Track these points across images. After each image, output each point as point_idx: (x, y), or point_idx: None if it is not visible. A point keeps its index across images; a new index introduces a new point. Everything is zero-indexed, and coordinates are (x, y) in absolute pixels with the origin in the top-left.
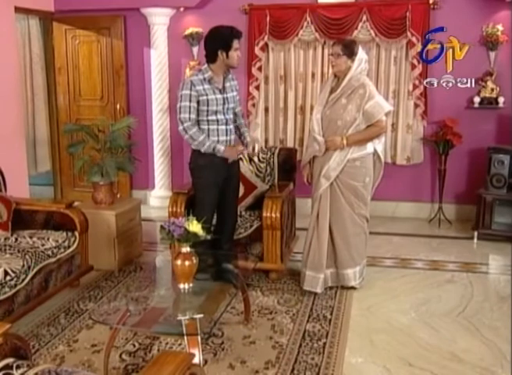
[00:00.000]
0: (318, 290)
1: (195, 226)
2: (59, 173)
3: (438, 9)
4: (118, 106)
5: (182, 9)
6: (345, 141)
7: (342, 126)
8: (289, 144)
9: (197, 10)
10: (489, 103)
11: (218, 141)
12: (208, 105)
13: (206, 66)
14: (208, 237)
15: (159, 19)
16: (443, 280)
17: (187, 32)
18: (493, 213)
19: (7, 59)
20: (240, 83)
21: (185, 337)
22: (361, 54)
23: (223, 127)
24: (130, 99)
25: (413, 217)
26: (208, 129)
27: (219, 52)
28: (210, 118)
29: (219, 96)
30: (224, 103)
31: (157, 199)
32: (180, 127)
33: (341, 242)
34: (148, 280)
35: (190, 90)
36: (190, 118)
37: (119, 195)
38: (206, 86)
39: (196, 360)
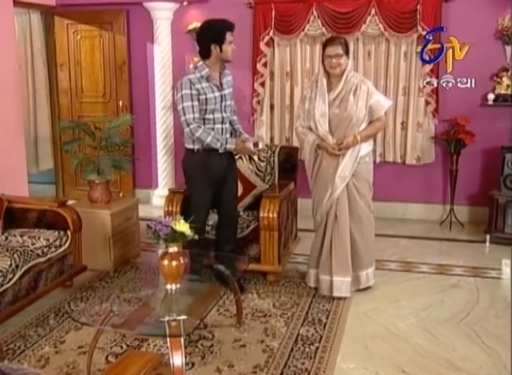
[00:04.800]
0: (348, 294)
1: (182, 226)
2: (61, 171)
3: (451, 2)
4: (120, 103)
5: (185, 3)
6: (359, 138)
7: (354, 123)
8: (295, 142)
9: (201, 4)
10: (505, 100)
11: None
12: (206, 104)
13: (201, 62)
14: (196, 236)
15: (162, 13)
16: (448, 285)
17: (191, 27)
18: (506, 216)
19: (4, 54)
20: (244, 80)
21: (168, 339)
22: None
23: (219, 126)
24: (133, 96)
25: (423, 219)
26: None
27: (212, 47)
28: (207, 116)
29: (217, 94)
30: (222, 101)
31: (160, 198)
32: (186, 129)
33: (361, 242)
34: (142, 281)
35: (190, 89)
36: (194, 118)
37: (121, 194)
38: (204, 84)
39: (178, 362)
